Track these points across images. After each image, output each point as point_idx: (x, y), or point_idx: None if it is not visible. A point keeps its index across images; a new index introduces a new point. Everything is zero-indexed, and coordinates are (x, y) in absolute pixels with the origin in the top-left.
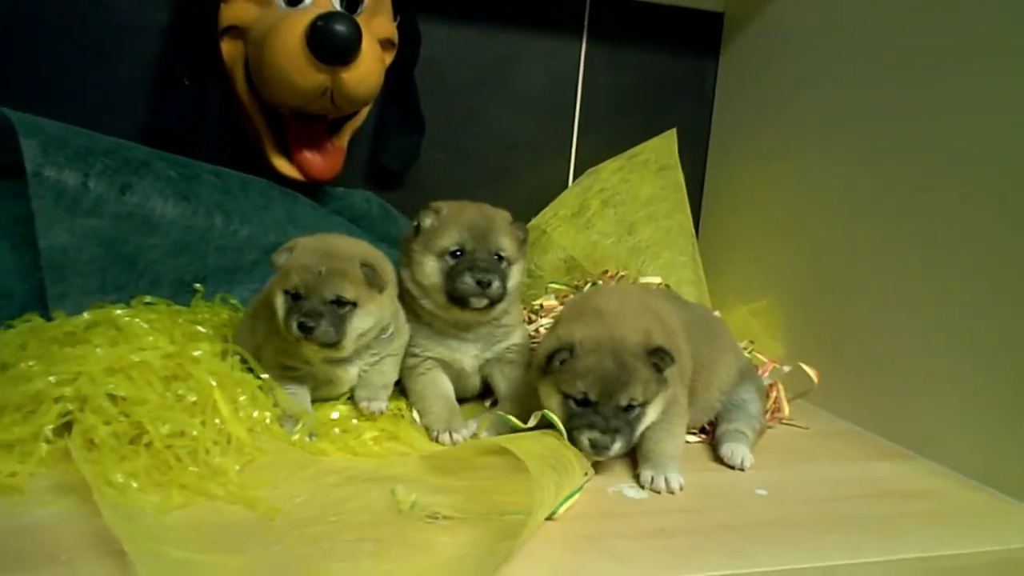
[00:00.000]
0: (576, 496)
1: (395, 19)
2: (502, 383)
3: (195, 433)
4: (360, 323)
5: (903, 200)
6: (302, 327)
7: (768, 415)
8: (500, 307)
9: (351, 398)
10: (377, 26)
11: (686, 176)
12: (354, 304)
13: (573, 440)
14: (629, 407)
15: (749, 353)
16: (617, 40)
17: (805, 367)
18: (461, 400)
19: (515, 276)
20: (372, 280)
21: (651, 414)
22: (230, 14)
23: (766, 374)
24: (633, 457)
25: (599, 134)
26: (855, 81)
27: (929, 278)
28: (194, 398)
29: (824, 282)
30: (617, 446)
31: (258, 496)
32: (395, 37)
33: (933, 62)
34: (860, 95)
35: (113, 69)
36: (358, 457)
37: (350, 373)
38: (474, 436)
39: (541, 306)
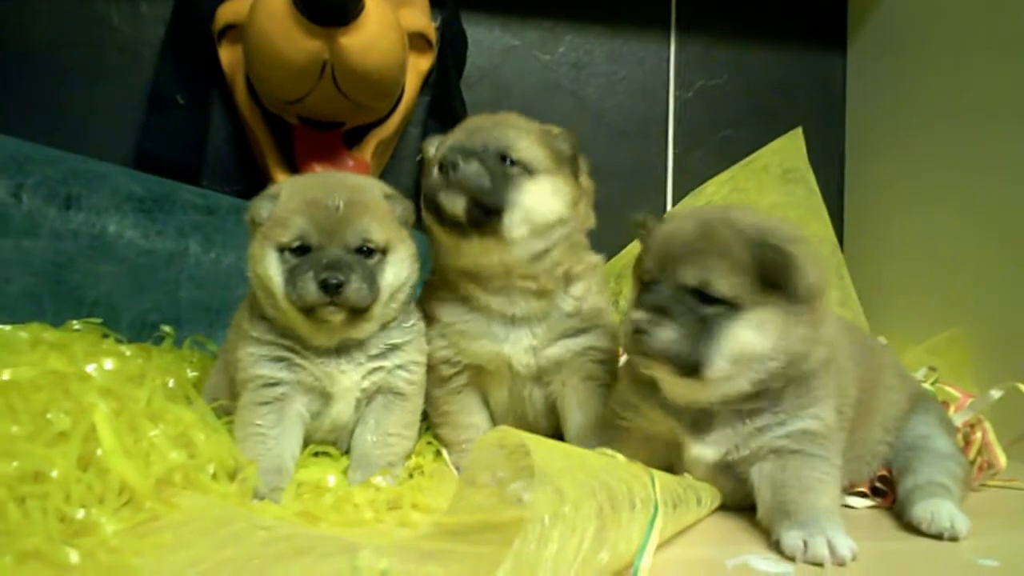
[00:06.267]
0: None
1: (434, 20)
2: (575, 410)
3: (54, 474)
4: (393, 276)
5: None
6: (325, 286)
7: (974, 471)
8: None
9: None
10: (405, 16)
11: (819, 191)
12: (383, 251)
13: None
14: (704, 297)
15: (932, 385)
16: (712, 34)
17: None
18: None
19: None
20: (403, 214)
21: (742, 332)
22: (228, 11)
23: (961, 411)
24: (752, 518)
25: (700, 151)
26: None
27: None
28: (65, 426)
29: None
30: (664, 334)
31: (131, 567)
32: (430, 34)
33: None
34: None
35: (105, 92)
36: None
37: (350, 377)
38: None
39: None
